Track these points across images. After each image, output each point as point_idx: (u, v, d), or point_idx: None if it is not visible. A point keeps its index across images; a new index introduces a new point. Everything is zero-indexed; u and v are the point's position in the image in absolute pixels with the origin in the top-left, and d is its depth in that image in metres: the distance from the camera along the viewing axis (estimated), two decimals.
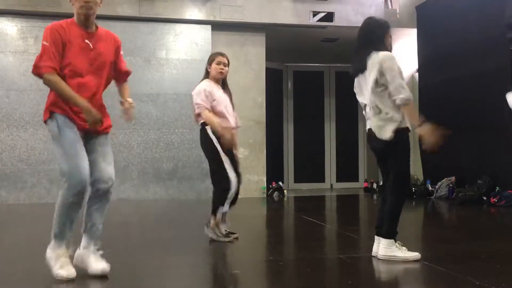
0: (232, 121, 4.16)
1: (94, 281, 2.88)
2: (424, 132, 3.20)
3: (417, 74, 9.02)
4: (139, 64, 8.03)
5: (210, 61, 4.20)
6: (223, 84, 4.25)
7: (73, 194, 2.81)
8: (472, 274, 2.88)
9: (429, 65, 8.52)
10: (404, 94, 3.21)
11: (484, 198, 6.85)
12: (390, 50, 3.37)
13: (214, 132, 4.01)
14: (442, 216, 6.43)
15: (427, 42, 8.52)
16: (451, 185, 7.65)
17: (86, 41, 2.95)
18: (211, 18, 8.26)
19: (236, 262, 3.52)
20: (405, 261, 3.21)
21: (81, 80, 2.92)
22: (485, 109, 6.88)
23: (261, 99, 8.56)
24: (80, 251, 3.00)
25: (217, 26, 8.34)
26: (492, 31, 6.78)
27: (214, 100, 4.05)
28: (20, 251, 3.87)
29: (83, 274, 2.92)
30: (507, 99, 3.81)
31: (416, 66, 8.98)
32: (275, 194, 8.55)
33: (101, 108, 3.04)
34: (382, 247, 3.27)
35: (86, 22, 2.95)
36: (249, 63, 8.57)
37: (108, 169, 3.00)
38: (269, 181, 8.64)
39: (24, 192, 7.52)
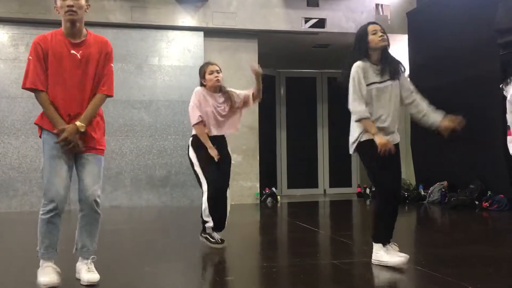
0: (217, 131, 4.08)
1: None
2: (379, 141, 3.18)
3: (408, 79, 9.07)
4: (131, 71, 8.02)
5: (202, 73, 4.13)
6: (220, 90, 4.15)
7: (46, 211, 2.84)
8: (464, 279, 2.89)
9: (420, 71, 8.57)
10: (352, 109, 3.25)
11: (476, 202, 6.88)
12: (377, 47, 3.32)
13: (194, 145, 4.03)
14: (435, 221, 6.45)
15: (418, 48, 8.58)
16: (443, 190, 7.68)
17: (72, 51, 2.89)
18: (204, 25, 8.27)
19: (230, 268, 3.51)
20: (395, 265, 3.21)
21: (65, 92, 2.87)
22: (476, 114, 6.91)
23: (254, 105, 8.56)
24: (78, 263, 3.05)
25: (210, 33, 8.36)
26: (482, 36, 6.84)
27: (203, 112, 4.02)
28: (11, 259, 3.83)
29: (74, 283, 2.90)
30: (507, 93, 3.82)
31: (407, 72, 9.03)
32: (269, 200, 8.54)
33: (91, 124, 2.93)
34: (373, 252, 3.29)
35: (72, 29, 2.90)
36: (242, 69, 8.58)
37: (90, 189, 2.90)
38: (262, 187, 8.64)
39: (15, 200, 7.46)
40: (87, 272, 2.94)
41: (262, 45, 8.69)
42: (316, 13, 8.60)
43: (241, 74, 8.56)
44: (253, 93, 4.15)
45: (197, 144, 4.04)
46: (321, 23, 8.57)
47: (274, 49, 9.33)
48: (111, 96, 3.03)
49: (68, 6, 2.84)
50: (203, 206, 3.94)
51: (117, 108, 7.88)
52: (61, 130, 2.80)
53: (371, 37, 3.30)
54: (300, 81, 10.31)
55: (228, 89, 4.17)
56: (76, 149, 2.86)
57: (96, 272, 2.96)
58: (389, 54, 3.42)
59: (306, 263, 3.51)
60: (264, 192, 8.64)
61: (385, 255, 3.26)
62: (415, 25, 8.75)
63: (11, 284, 3.02)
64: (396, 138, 3.44)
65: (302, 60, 10.14)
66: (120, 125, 7.91)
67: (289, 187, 10.09)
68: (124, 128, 7.94)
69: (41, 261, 2.93)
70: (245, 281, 3.15)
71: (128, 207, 7.77)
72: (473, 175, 7.17)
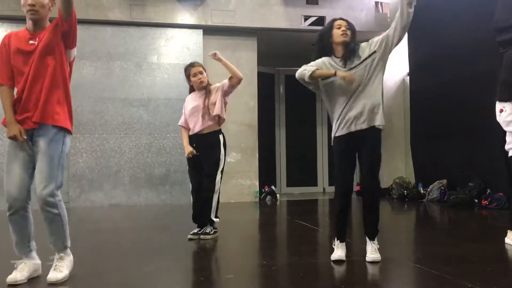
0: (198, 126, 4.42)
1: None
2: (340, 74, 3.25)
3: (408, 77, 9.08)
4: (130, 68, 8.00)
5: (187, 75, 4.56)
6: (205, 88, 4.52)
7: (7, 211, 2.91)
8: (463, 277, 2.89)
9: (420, 68, 8.58)
10: (299, 75, 3.41)
11: (476, 200, 6.89)
12: (339, 42, 3.36)
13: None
14: (434, 219, 6.46)
15: (418, 46, 8.58)
16: (442, 188, 7.69)
17: (31, 41, 2.90)
18: (203, 23, 8.26)
19: (229, 266, 3.50)
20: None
21: (25, 84, 2.87)
22: (476, 112, 6.92)
23: (253, 103, 8.56)
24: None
25: (209, 31, 8.35)
26: (482, 34, 6.83)
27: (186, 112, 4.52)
28: (5, 257, 3.83)
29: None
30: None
31: (407, 70, 9.04)
32: (268, 198, 8.55)
33: (47, 102, 2.88)
34: None
35: (34, 27, 2.93)
36: (241, 67, 8.51)
37: (36, 181, 2.85)
38: (261, 185, 8.64)
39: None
40: (52, 270, 2.93)
41: (262, 43, 8.68)
42: (315, 11, 8.59)
43: (241, 72, 8.52)
44: (230, 77, 4.49)
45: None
46: (320, 21, 8.56)
47: (273, 47, 9.32)
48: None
49: (29, 5, 2.86)
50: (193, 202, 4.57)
51: (116, 106, 7.87)
52: (8, 124, 2.87)
53: (334, 31, 3.39)
54: None
55: (212, 86, 4.54)
56: (17, 139, 2.86)
57: (63, 270, 2.93)
58: (350, 53, 3.36)
59: (306, 262, 3.51)
60: (263, 190, 8.65)
61: (335, 250, 3.41)
62: (415, 23, 8.70)
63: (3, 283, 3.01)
64: (372, 120, 3.32)
65: (301, 58, 9.99)
66: (119, 123, 7.90)
67: (288, 185, 10.09)
68: (123, 126, 7.93)
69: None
70: (245, 279, 3.15)
71: (127, 205, 7.76)
72: (472, 173, 7.17)
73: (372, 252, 3.35)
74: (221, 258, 3.87)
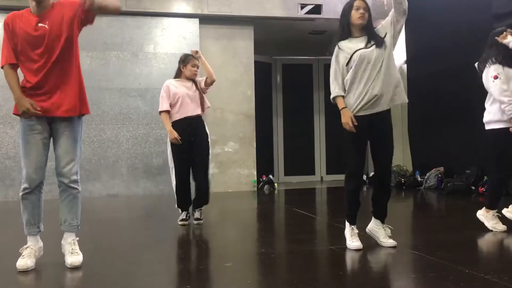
0: (190, 111, 4.60)
1: (82, 278, 2.86)
2: (342, 120, 3.36)
3: (405, 65, 9.06)
4: (127, 58, 7.96)
5: (186, 63, 4.70)
6: (192, 80, 4.75)
7: (21, 190, 3.01)
8: (461, 263, 2.91)
9: (418, 56, 8.56)
10: (331, 90, 3.43)
11: (473, 187, 6.92)
12: (356, 24, 3.38)
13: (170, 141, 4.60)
14: (431, 206, 6.49)
15: (415, 34, 8.55)
16: (439, 176, 7.72)
17: (40, 24, 2.95)
18: (199, 12, 8.21)
19: (228, 255, 3.52)
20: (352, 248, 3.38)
21: (33, 65, 2.95)
22: (473, 99, 6.92)
23: (250, 92, 8.55)
24: (62, 240, 3.15)
25: (205, 20, 8.30)
26: (480, 22, 6.81)
27: (175, 98, 4.60)
28: (8, 247, 3.83)
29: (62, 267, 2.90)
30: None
31: (404, 58, 9.02)
32: (266, 187, 8.57)
33: (59, 87, 2.99)
34: None
35: (39, 8, 2.98)
36: (238, 56, 8.55)
37: (63, 161, 3.02)
38: (259, 175, 8.65)
39: (12, 189, 7.45)
40: (70, 254, 3.04)
41: (258, 32, 8.64)
42: None
43: (238, 61, 8.53)
44: (206, 78, 4.75)
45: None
46: (317, 9, 8.52)
47: (270, 35, 9.28)
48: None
49: None
50: (174, 191, 4.72)
51: (113, 96, 7.84)
52: (17, 100, 2.93)
53: (353, 12, 3.38)
54: (296, 68, 10.27)
55: (196, 79, 4.80)
56: (29, 114, 2.92)
57: (79, 253, 3.07)
58: (371, 29, 3.41)
59: (304, 249, 3.53)
60: (261, 179, 8.66)
61: (348, 237, 3.43)
62: (412, 10, 8.61)
63: (7, 272, 3.02)
64: (384, 104, 3.34)
65: (298, 47, 10.09)
66: (116, 113, 7.88)
67: (286, 174, 10.11)
68: (120, 116, 7.91)
69: (27, 238, 3.08)
70: (244, 267, 3.17)
71: (126, 196, 7.77)
72: (469, 160, 7.19)
73: (386, 237, 3.44)
74: (220, 247, 3.89)
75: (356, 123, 3.29)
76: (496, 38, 3.98)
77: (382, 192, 3.51)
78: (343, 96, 3.36)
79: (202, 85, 4.75)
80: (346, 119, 3.31)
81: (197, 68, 4.74)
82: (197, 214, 4.70)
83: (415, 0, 8.75)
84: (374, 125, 3.36)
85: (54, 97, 2.99)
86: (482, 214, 4.06)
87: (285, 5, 8.46)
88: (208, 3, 8.21)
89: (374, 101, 3.32)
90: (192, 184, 4.70)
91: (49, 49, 2.95)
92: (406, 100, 3.45)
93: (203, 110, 4.75)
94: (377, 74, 3.32)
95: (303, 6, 8.52)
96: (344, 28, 3.43)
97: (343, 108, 3.34)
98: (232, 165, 8.39)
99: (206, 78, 4.74)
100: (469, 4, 7.14)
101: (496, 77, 3.84)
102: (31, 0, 2.97)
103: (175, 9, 8.14)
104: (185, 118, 4.58)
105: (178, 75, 4.76)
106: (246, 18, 8.42)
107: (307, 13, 8.53)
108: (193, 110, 4.62)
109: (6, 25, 2.98)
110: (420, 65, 8.46)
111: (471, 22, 7.04)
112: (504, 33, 3.96)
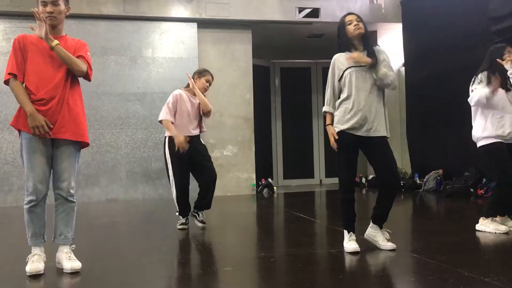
0: (190, 130, 4.59)
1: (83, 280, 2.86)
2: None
3: (403, 68, 9.09)
4: (125, 63, 7.97)
5: (202, 75, 4.70)
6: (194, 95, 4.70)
7: (27, 202, 3.05)
8: (460, 265, 2.92)
9: (415, 59, 8.58)
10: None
11: (471, 190, 6.93)
12: (355, 36, 3.42)
13: (169, 147, 4.51)
14: (430, 209, 6.49)
15: (413, 37, 8.57)
16: (438, 178, 7.72)
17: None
18: (197, 16, 8.23)
19: (228, 259, 3.52)
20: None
21: (41, 81, 3.02)
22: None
23: (249, 96, 8.56)
24: (57, 253, 3.17)
25: (203, 24, 8.32)
26: (477, 24, 6.84)
27: (181, 109, 4.56)
28: (7, 252, 3.83)
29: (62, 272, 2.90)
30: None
31: (402, 61, 9.04)
32: (265, 191, 8.56)
33: (65, 111, 3.08)
34: None
35: (52, 31, 3.08)
36: (236, 60, 8.56)
37: (62, 176, 3.08)
38: (258, 178, 8.65)
39: (11, 194, 7.45)
40: (68, 260, 3.07)
41: (256, 35, 8.66)
42: (310, 3, 8.57)
43: (236, 65, 8.54)
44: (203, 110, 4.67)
45: (172, 147, 4.48)
46: (315, 12, 8.55)
47: (268, 39, 9.30)
48: (88, 72, 3.24)
49: (48, 12, 3.06)
50: (174, 200, 4.63)
51: (112, 101, 7.85)
52: (30, 115, 2.95)
53: (347, 28, 3.47)
54: (294, 71, 10.29)
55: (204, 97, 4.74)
56: (40, 132, 2.96)
57: (77, 260, 3.09)
58: (369, 43, 3.49)
59: (304, 253, 3.53)
60: (260, 183, 8.66)
61: (345, 240, 3.47)
62: (410, 13, 8.73)
63: (7, 276, 3.02)
64: (378, 129, 3.41)
65: (296, 50, 10.12)
66: (114, 118, 7.89)
67: (285, 177, 10.11)
68: (119, 121, 7.91)
69: (32, 249, 3.10)
70: (243, 271, 3.16)
71: (124, 200, 7.76)
72: (468, 163, 7.20)
73: (385, 240, 3.47)
74: (219, 251, 3.88)
75: (337, 137, 3.39)
76: (497, 60, 4.04)
77: (387, 196, 3.52)
78: (332, 113, 3.48)
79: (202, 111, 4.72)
80: (329, 136, 3.45)
81: (209, 85, 4.75)
82: (201, 217, 4.66)
83: (412, 3, 8.85)
84: (369, 146, 3.42)
85: (64, 124, 3.06)
86: (481, 225, 4.09)
87: (283, 9, 8.49)
88: (206, 7, 8.23)
89: (363, 120, 3.37)
90: (195, 186, 4.68)
91: (62, 65, 3.07)
92: (388, 135, 3.48)
93: (200, 132, 4.76)
94: (369, 94, 3.38)
95: (301, 10, 8.54)
96: (343, 44, 3.49)
97: (327, 124, 3.50)
98: (231, 168, 8.39)
99: (203, 109, 4.65)
100: (466, 7, 7.17)
101: (473, 91, 4.05)
102: (43, 24, 2.98)
103: (173, 14, 8.16)
104: (187, 136, 4.55)
105: (189, 84, 4.70)
106: (244, 22, 8.44)
107: (305, 16, 8.56)
108: (192, 130, 4.62)
109: (17, 42, 3.07)
110: (418, 68, 8.48)
111: (468, 25, 7.06)
112: (506, 55, 4.02)
